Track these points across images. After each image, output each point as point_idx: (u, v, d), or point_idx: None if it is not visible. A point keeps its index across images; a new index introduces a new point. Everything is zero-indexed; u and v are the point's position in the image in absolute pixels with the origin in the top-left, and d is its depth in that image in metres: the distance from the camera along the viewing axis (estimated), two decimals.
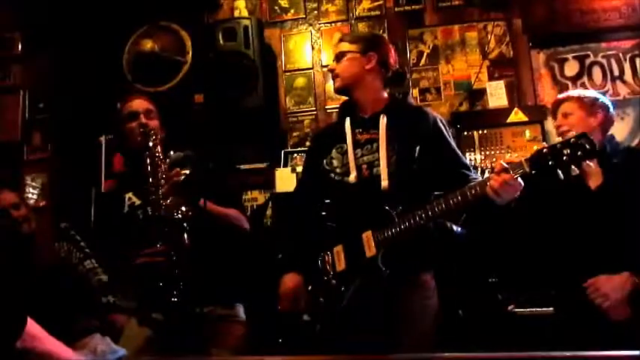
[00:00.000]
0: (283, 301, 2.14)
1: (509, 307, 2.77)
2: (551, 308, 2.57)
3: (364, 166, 2.09)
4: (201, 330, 2.05)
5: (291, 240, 2.27)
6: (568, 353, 1.20)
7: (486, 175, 1.90)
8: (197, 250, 2.04)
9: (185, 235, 2.02)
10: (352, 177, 2.09)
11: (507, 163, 1.82)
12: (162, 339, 2.08)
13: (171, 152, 2.35)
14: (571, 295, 2.29)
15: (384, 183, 2.02)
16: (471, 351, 1.30)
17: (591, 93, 2.48)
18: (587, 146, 1.71)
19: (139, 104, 2.31)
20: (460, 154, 2.16)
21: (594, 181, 2.31)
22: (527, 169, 1.78)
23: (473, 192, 1.85)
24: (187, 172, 2.14)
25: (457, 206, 1.88)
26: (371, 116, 2.16)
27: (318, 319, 2.13)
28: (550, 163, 1.75)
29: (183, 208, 2.04)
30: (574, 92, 2.53)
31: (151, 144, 2.15)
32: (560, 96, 2.54)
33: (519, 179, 1.80)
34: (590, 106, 2.38)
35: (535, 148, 3.35)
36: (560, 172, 1.75)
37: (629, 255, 2.17)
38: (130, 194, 2.27)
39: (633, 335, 2.01)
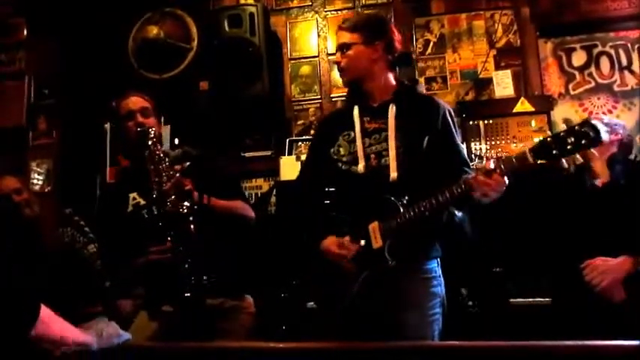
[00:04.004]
0: (344, 263, 2.04)
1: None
2: (548, 299, 2.59)
3: (372, 156, 2.07)
4: (212, 322, 2.07)
5: (308, 217, 2.25)
6: (568, 343, 1.20)
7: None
8: (205, 243, 2.05)
9: (192, 228, 2.03)
10: (360, 167, 2.07)
11: (515, 157, 1.82)
12: (172, 331, 2.08)
13: (169, 150, 2.35)
14: (570, 284, 2.29)
15: (393, 174, 2.01)
16: (474, 339, 1.30)
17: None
18: (591, 134, 1.69)
19: (134, 103, 2.29)
20: (462, 149, 2.15)
21: (601, 180, 2.35)
22: (531, 160, 1.77)
23: (460, 188, 1.86)
24: (187, 164, 2.15)
25: (456, 198, 1.89)
26: (380, 105, 2.14)
27: (325, 308, 2.13)
28: (554, 152, 1.74)
29: (187, 203, 2.04)
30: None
31: (149, 142, 2.14)
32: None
33: (505, 178, 1.81)
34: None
35: (541, 138, 3.38)
36: (564, 161, 1.74)
37: (631, 244, 2.17)
38: (134, 194, 2.27)
39: (633, 324, 2.00)
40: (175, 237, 2.04)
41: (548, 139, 1.76)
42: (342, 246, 2.04)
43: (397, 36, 2.19)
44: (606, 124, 2.28)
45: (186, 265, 2.01)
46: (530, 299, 2.76)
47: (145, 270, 2.12)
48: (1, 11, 4.23)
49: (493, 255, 2.88)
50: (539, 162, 1.77)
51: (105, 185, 3.88)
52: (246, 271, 2.38)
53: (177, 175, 2.09)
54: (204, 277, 2.02)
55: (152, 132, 2.17)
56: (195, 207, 2.05)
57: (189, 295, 1.99)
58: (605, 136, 2.40)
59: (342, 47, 2.15)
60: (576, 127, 1.72)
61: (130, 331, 2.11)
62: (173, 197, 2.04)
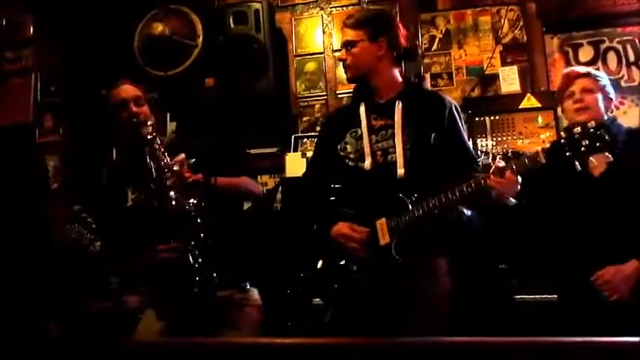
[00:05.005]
0: (358, 242, 2.04)
1: None
2: (554, 295, 2.57)
3: (379, 153, 2.08)
4: (219, 315, 2.07)
5: (316, 210, 2.25)
6: (568, 339, 1.20)
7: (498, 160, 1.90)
8: (212, 237, 2.04)
9: (198, 227, 2.02)
10: (367, 163, 2.08)
11: (523, 154, 1.82)
12: (179, 329, 2.07)
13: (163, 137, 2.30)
14: (575, 283, 2.28)
15: (400, 171, 2.02)
16: (479, 335, 1.31)
17: (605, 75, 2.45)
18: (607, 137, 1.68)
19: (126, 91, 2.21)
20: (470, 145, 2.15)
21: (598, 168, 2.26)
22: (544, 161, 1.77)
23: (471, 188, 1.87)
24: (192, 161, 2.12)
25: (466, 197, 1.88)
26: (386, 102, 2.14)
27: (331, 304, 2.14)
28: (567, 154, 1.73)
29: (193, 200, 2.02)
30: (590, 69, 2.49)
31: (149, 137, 2.07)
32: (580, 69, 2.48)
33: (518, 177, 1.81)
34: (605, 88, 2.36)
35: (547, 134, 3.37)
36: (577, 163, 1.73)
37: (634, 241, 2.15)
38: (132, 188, 2.23)
39: (634, 321, 1.99)
40: (181, 237, 2.03)
41: (562, 140, 1.75)
42: (354, 230, 2.04)
43: (402, 31, 2.19)
44: None
45: (196, 265, 2.00)
46: (536, 296, 2.75)
47: (153, 269, 2.11)
48: (7, 9, 4.25)
49: (499, 252, 2.87)
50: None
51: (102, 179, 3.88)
52: (252, 268, 2.39)
53: (178, 169, 2.04)
54: (214, 275, 2.02)
55: (150, 125, 2.11)
56: (203, 204, 2.03)
57: (198, 293, 1.99)
58: None
59: (347, 44, 2.16)
60: (591, 130, 1.70)
61: (138, 329, 2.13)
62: (177, 195, 2.02)
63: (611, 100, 2.38)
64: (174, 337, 2.07)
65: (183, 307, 2.07)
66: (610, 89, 2.38)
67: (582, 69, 2.50)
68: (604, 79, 2.38)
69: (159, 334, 2.09)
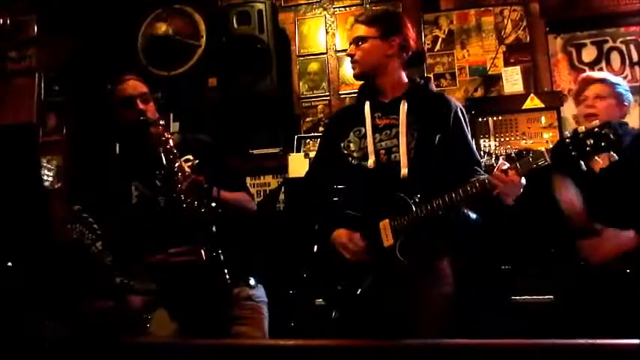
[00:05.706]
0: (353, 255, 2.04)
1: None
2: (551, 296, 2.57)
3: (382, 152, 2.07)
4: (231, 312, 2.08)
5: (319, 209, 2.25)
6: (568, 341, 1.20)
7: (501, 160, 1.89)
8: (220, 238, 2.04)
9: (211, 231, 2.00)
10: (370, 162, 2.06)
11: (526, 152, 1.81)
12: (193, 328, 2.06)
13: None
14: (573, 282, 2.28)
15: (404, 170, 2.00)
16: (480, 337, 1.31)
17: (622, 82, 2.44)
18: (612, 137, 1.66)
19: (133, 87, 2.17)
20: (474, 148, 2.14)
21: (601, 165, 2.26)
22: (549, 160, 1.75)
23: (475, 188, 1.86)
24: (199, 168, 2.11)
25: (470, 198, 1.88)
26: (391, 101, 2.13)
27: (335, 305, 2.13)
28: (573, 153, 1.72)
29: (211, 205, 2.00)
30: (607, 75, 2.48)
31: (163, 138, 2.05)
32: (596, 75, 2.49)
33: (522, 178, 1.80)
34: (621, 95, 2.35)
35: (550, 134, 3.36)
36: (582, 163, 1.72)
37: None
38: (136, 183, 2.20)
39: (634, 323, 1.98)
40: (195, 239, 2.02)
41: (567, 140, 1.74)
42: (352, 241, 2.04)
43: (412, 34, 2.17)
44: None
45: (208, 266, 1.99)
46: (536, 297, 2.75)
47: (164, 270, 2.09)
48: (11, 9, 4.26)
49: (500, 252, 2.87)
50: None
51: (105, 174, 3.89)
52: (256, 268, 2.39)
53: (192, 174, 2.03)
54: (226, 275, 2.02)
55: (161, 125, 2.08)
56: (219, 211, 2.01)
57: (211, 295, 1.99)
58: None
59: (358, 40, 2.13)
60: (596, 129, 1.69)
61: (151, 330, 2.12)
62: (190, 199, 2.00)
63: (626, 106, 2.38)
64: (188, 336, 2.06)
65: (196, 308, 2.05)
66: (627, 96, 2.38)
67: (599, 74, 2.51)
68: (621, 86, 2.37)
69: (174, 335, 2.06)
